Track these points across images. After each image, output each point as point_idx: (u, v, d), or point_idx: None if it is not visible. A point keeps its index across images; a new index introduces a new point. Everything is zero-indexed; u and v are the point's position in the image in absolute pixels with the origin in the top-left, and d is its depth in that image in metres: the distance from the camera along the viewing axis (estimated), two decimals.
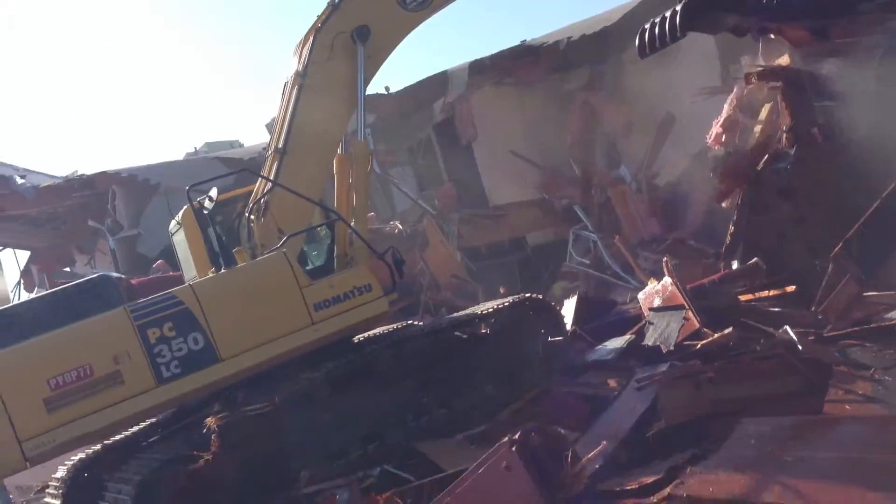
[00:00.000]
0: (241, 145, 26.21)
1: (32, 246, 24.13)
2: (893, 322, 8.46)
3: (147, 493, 7.36)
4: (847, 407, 6.76)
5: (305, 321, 8.51)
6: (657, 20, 11.85)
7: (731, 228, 11.02)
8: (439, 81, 19.67)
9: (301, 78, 9.91)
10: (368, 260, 9.75)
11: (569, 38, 18.39)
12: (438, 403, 9.22)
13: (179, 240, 10.58)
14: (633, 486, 6.00)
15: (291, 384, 8.35)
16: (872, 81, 10.47)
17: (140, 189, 20.91)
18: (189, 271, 10.44)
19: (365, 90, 10.21)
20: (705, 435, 6.71)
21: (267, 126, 22.98)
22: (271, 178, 9.66)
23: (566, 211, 18.47)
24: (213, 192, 8.96)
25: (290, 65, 10.37)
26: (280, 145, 9.83)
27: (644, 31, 12.20)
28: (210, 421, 7.22)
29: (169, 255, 17.41)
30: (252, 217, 9.50)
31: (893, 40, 10.30)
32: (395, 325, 11.11)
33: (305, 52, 10.09)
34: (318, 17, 10.33)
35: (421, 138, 20.40)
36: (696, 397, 6.96)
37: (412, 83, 19.84)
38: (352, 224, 9.67)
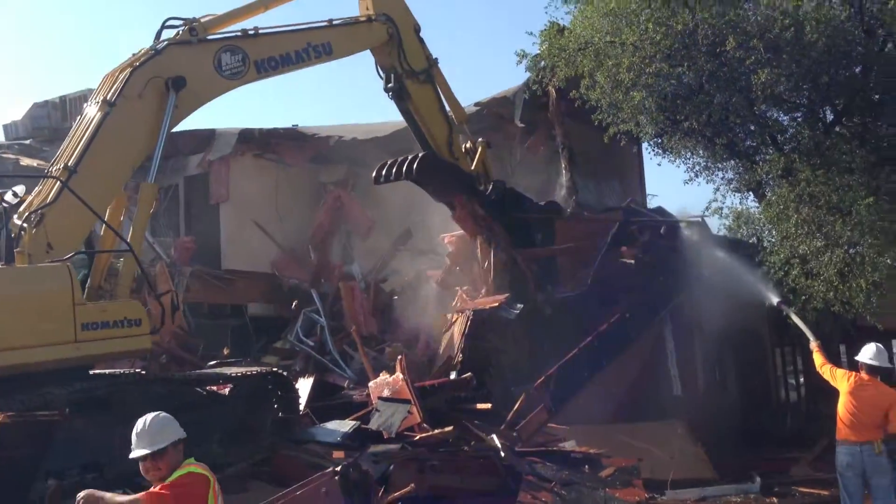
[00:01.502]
0: None
1: None
2: (567, 450, 10.48)
3: None
4: None
5: (69, 337, 8.57)
6: (399, 160, 14.11)
7: (459, 346, 12.75)
8: (204, 137, 19.98)
9: (108, 107, 10.16)
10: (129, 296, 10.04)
11: (340, 136, 19.82)
12: None
13: None
14: None
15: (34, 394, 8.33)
16: None
17: None
18: None
19: (165, 135, 10.67)
20: None
21: (4, 126, 21.62)
22: (55, 194, 9.68)
23: (292, 291, 19.38)
24: (21, 189, 8.85)
25: (97, 91, 10.63)
26: (70, 163, 9.90)
27: (384, 164, 14.30)
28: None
29: None
30: (25, 226, 9.42)
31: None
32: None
33: (117, 84, 10.39)
34: (135, 55, 10.80)
35: (169, 185, 20.36)
36: (419, 479, 8.17)
37: (176, 131, 19.90)
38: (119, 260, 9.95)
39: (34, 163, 19.09)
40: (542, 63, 16.14)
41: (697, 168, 15.50)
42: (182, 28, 11.05)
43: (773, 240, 13.54)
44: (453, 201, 14.98)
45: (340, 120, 21.28)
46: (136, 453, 4.59)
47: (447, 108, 14.68)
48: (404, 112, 14.25)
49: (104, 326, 8.85)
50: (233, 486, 9.03)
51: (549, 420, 10.94)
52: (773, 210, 13.13)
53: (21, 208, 9.76)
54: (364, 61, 13.79)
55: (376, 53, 13.70)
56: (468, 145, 15.11)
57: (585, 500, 8.95)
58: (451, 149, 14.66)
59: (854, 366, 8.79)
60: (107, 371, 10.42)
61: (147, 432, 4.61)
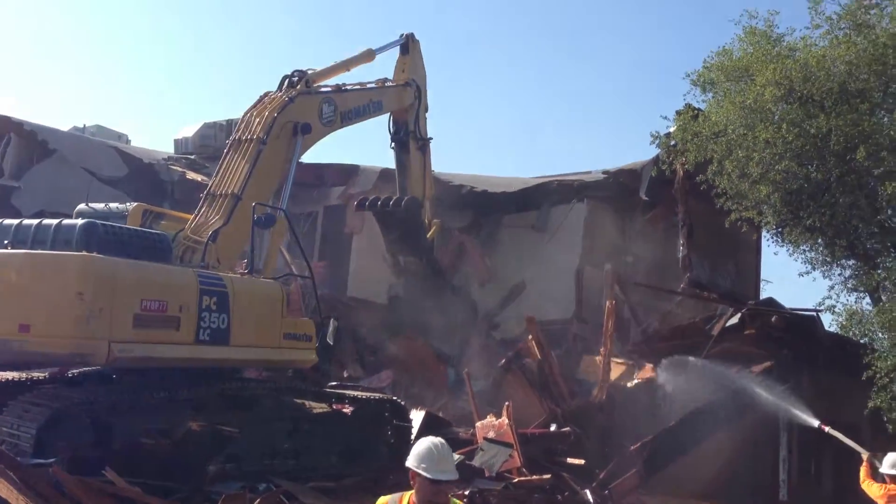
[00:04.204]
0: (128, 140, 26.56)
1: None
2: None
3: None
4: None
5: (276, 342, 10.24)
6: (386, 196, 17.80)
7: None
8: (348, 171, 21.64)
9: (261, 144, 11.86)
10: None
11: (472, 187, 21.05)
12: (293, 454, 10.76)
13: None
14: None
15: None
16: None
17: (35, 147, 21.09)
18: None
19: (293, 173, 12.42)
20: None
21: (176, 140, 23.88)
22: (225, 216, 11.20)
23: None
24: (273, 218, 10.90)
25: (239, 127, 12.31)
26: (237, 191, 11.45)
27: (368, 197, 18.16)
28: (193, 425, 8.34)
29: None
30: (198, 239, 10.94)
31: None
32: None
33: (261, 123, 12.07)
34: (268, 99, 12.53)
35: (310, 212, 22.05)
36: None
37: (323, 161, 21.60)
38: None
39: (198, 177, 21.12)
40: (674, 143, 16.90)
41: (816, 262, 15.87)
42: (298, 78, 13.00)
43: (885, 344, 13.73)
44: (400, 259, 18.47)
45: (474, 170, 22.53)
46: (446, 476, 4.39)
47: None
48: (399, 164, 17.48)
49: (293, 338, 10.49)
50: (349, 496, 10.16)
51: (639, 485, 11.59)
52: (887, 316, 13.37)
53: (190, 225, 11.31)
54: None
55: (397, 111, 16.74)
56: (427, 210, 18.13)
57: None
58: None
59: None
60: (250, 377, 11.77)
61: (448, 458, 4.50)
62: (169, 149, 24.55)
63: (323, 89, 13.62)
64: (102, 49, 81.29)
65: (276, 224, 11.12)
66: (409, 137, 17.08)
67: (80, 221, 8.95)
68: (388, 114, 16.66)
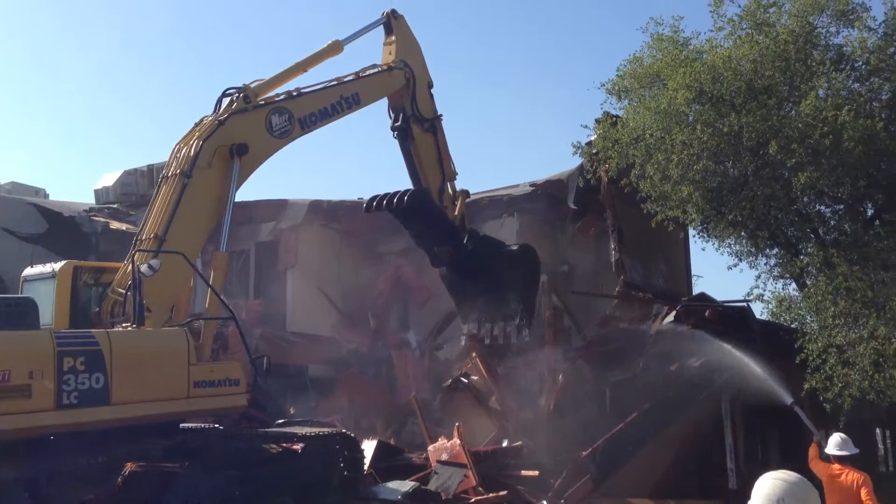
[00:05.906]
0: (46, 195, 25.84)
1: None
2: None
3: None
4: None
5: (184, 393, 9.79)
6: (391, 192, 15.65)
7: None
8: (276, 207, 21.47)
9: (185, 178, 11.32)
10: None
11: None
12: (245, 500, 10.56)
13: (40, 287, 11.20)
14: None
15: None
16: None
17: None
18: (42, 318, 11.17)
19: (233, 201, 11.73)
20: None
21: (96, 190, 23.33)
22: (150, 260, 10.88)
23: (350, 354, 20.47)
24: (156, 263, 10.14)
25: (170, 162, 11.78)
26: (160, 233, 11.09)
27: (377, 195, 15.96)
28: (129, 465, 8.11)
29: None
30: (129, 293, 10.61)
31: None
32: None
33: (189, 154, 11.51)
34: (199, 126, 11.97)
35: (242, 250, 21.78)
36: None
37: (250, 199, 21.40)
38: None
39: (122, 226, 20.69)
40: (596, 151, 17.24)
41: (741, 254, 16.33)
42: (236, 95, 12.19)
43: (814, 327, 14.16)
44: (434, 249, 16.57)
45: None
46: None
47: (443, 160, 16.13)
48: (405, 152, 15.65)
49: (211, 385, 10.12)
50: None
51: (594, 489, 11.73)
52: (813, 300, 13.82)
53: (118, 276, 11.01)
54: None
55: (391, 95, 15.15)
56: (449, 192, 16.53)
57: None
58: (441, 196, 16.16)
59: None
60: (192, 425, 11.54)
61: (813, 492, 3.99)
62: (90, 200, 24.01)
63: (277, 98, 12.67)
64: (8, 104, 79.09)
65: (156, 272, 10.31)
66: (411, 122, 15.30)
67: None
68: (384, 101, 15.11)
